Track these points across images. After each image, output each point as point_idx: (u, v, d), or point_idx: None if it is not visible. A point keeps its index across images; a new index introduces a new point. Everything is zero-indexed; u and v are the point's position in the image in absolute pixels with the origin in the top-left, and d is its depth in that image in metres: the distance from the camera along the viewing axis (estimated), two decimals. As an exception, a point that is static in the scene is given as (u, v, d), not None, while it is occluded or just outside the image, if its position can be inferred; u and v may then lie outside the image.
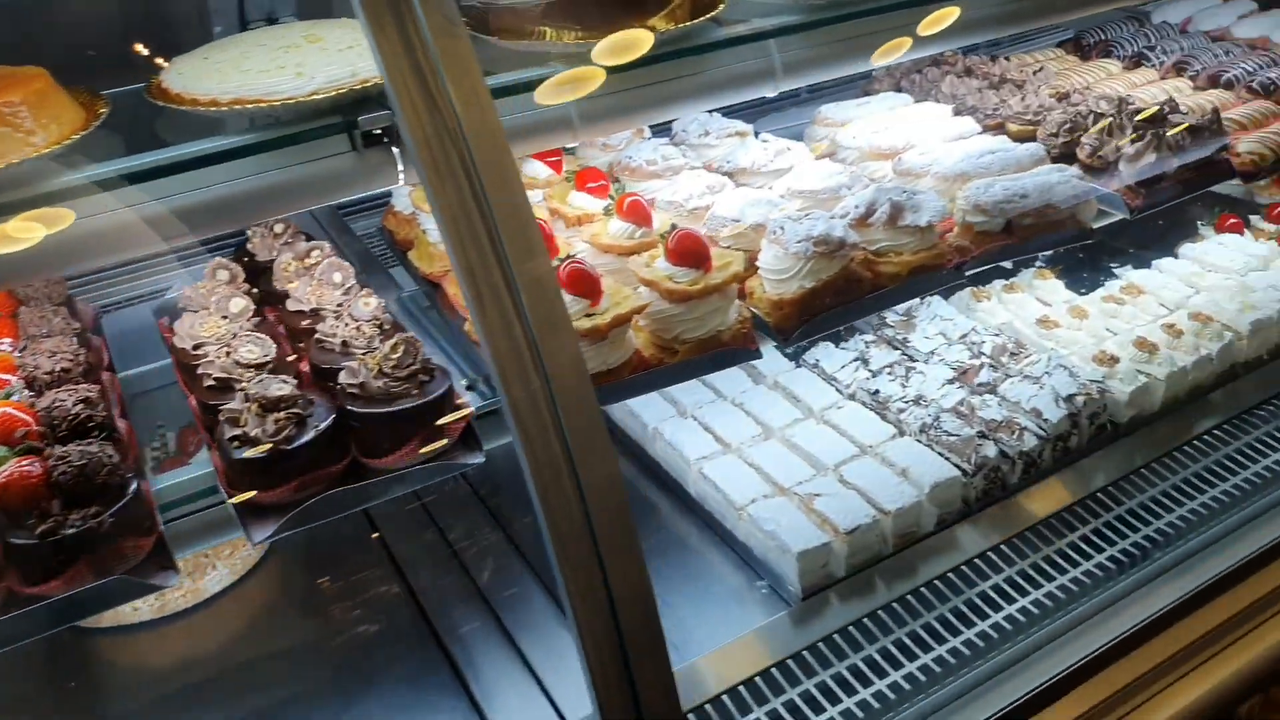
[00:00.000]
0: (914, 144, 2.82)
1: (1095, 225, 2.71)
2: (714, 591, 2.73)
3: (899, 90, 3.38)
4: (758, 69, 2.31)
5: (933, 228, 2.37)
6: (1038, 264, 3.70)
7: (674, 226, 2.17)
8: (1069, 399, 2.95)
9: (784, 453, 2.92)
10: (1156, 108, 2.84)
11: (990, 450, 2.78)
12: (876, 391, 3.11)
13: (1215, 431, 3.13)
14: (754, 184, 2.75)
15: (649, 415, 3.17)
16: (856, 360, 3.29)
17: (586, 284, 2.00)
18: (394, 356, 2.00)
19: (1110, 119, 2.78)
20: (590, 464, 1.73)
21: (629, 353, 2.07)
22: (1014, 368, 3.14)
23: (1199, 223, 4.04)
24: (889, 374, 3.19)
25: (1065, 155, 2.88)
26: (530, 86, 2.01)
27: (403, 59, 1.69)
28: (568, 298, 2.02)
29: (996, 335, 3.29)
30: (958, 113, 3.06)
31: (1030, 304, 3.51)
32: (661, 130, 3.12)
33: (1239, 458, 3.04)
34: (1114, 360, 3.08)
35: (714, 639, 2.56)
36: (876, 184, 2.50)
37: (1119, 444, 3.03)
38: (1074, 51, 3.96)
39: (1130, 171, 2.68)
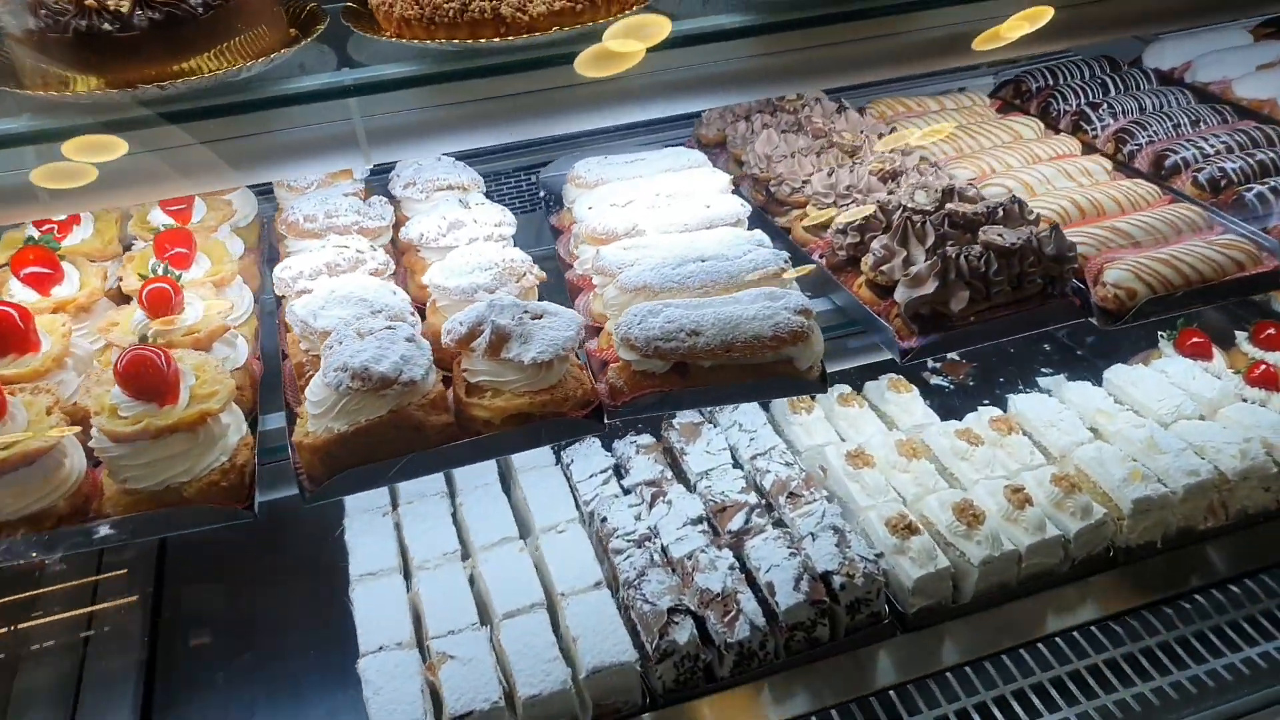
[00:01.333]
0: (642, 229, 2.16)
1: (845, 366, 2.01)
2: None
3: (721, 143, 2.68)
4: (337, 134, 1.74)
5: (548, 366, 1.74)
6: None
7: (145, 338, 1.65)
8: (822, 578, 2.25)
9: (459, 586, 2.36)
10: (981, 211, 2.06)
11: (682, 634, 2.14)
12: (605, 519, 2.50)
13: (1054, 640, 2.34)
14: (431, 260, 2.17)
15: (353, 503, 2.67)
16: (611, 469, 2.67)
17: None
18: None
19: (910, 220, 2.03)
20: None
21: (48, 499, 1.57)
22: (789, 514, 2.46)
23: (1160, 334, 3.15)
24: (635, 496, 2.57)
25: (851, 262, 2.15)
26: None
27: None
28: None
29: (789, 465, 2.59)
30: (738, 186, 2.35)
31: (866, 424, 2.77)
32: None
33: (1070, 686, 2.24)
34: (911, 530, 2.34)
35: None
36: (495, 297, 1.86)
37: (900, 640, 2.32)
38: (1013, 98, 3.10)
39: (908, 298, 1.94)
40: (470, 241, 2.12)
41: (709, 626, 2.19)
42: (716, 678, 2.20)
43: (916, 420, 2.79)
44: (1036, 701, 2.23)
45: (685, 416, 2.83)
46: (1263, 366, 2.82)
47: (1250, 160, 2.45)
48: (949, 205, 2.09)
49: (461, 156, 2.77)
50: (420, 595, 2.34)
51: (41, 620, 2.53)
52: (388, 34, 1.78)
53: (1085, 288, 2.09)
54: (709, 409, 2.85)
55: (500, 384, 1.75)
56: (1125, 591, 2.43)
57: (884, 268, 2.02)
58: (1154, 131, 2.67)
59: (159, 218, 2.20)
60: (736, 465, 2.67)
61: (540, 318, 1.79)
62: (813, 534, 2.35)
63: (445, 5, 1.71)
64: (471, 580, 2.40)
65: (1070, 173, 2.49)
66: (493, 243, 2.11)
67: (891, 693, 2.25)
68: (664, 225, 2.18)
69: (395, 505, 2.65)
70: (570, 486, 2.65)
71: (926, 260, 1.94)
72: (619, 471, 2.69)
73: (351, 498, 2.68)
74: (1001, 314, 1.99)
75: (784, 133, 2.57)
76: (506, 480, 2.70)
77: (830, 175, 2.33)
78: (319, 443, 1.66)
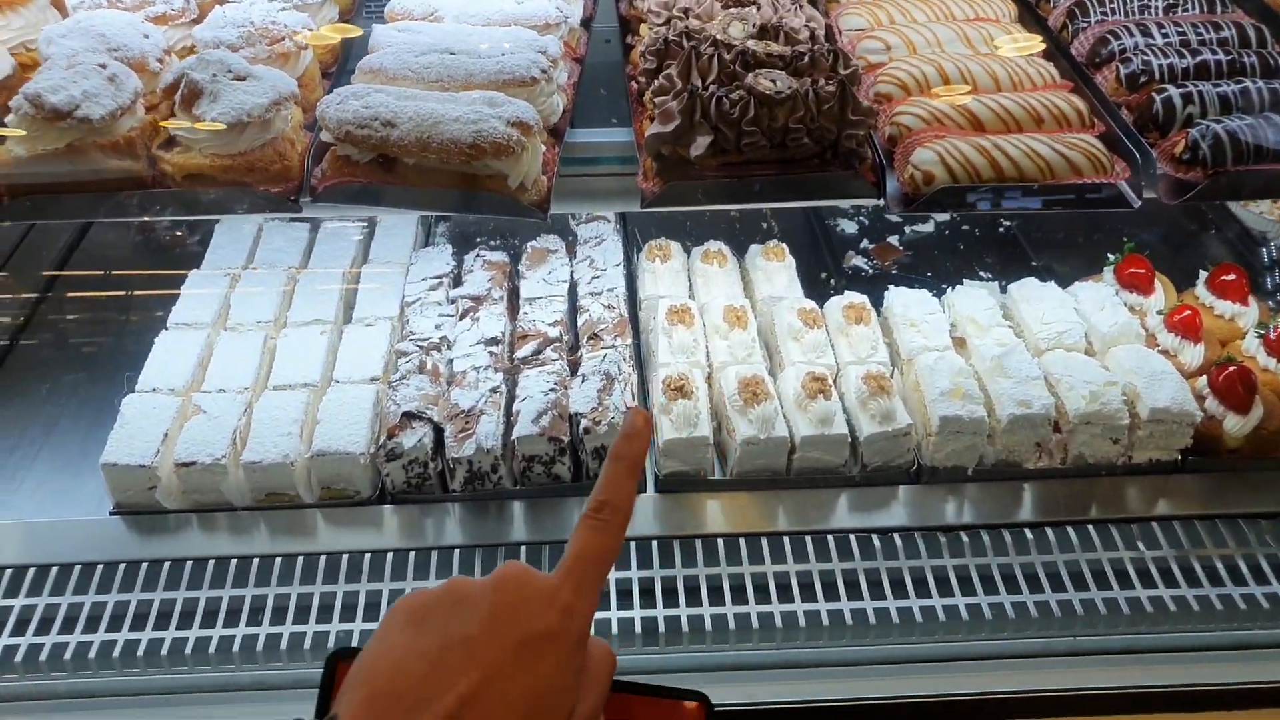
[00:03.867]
0: (441, 16, 2.01)
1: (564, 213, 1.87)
2: (73, 466, 2.36)
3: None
4: None
5: (236, 129, 1.68)
6: (773, 240, 2.72)
7: None
8: (571, 420, 2.19)
9: (252, 353, 2.42)
10: (783, 54, 1.80)
11: (410, 439, 2.15)
12: (408, 322, 2.49)
13: (805, 538, 2.21)
14: (233, 13, 2.10)
15: (209, 259, 2.76)
16: (449, 277, 2.64)
17: None
18: None
19: (697, 51, 1.80)
20: None
21: None
22: (586, 355, 2.37)
23: (1109, 256, 2.77)
24: (453, 306, 2.54)
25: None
26: None
27: None
28: None
29: (610, 308, 2.49)
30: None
31: (719, 285, 2.61)
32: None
33: (793, 586, 2.12)
34: (681, 393, 2.22)
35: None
36: (208, 51, 1.79)
37: (642, 499, 2.25)
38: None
39: (651, 133, 1.75)
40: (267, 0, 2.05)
41: (447, 439, 2.18)
42: (449, 490, 2.22)
43: (776, 291, 2.59)
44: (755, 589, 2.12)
45: (541, 243, 2.74)
46: (1186, 312, 2.45)
47: (1193, 60, 2.02)
48: (750, 43, 1.84)
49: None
50: (212, 352, 2.43)
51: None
52: None
53: (883, 163, 1.83)
54: (569, 238, 2.76)
55: (190, 140, 1.72)
56: (910, 509, 2.26)
57: (658, 100, 1.82)
58: (1110, 9, 2.24)
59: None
60: (574, 299, 2.58)
61: (244, 80, 1.73)
62: (584, 376, 2.27)
63: None
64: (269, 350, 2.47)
65: (970, 38, 2.14)
66: (277, 4, 2.03)
67: (632, 544, 2.22)
68: (464, 13, 2.03)
69: (246, 267, 2.73)
70: (406, 283, 2.65)
71: (678, 99, 1.73)
72: (457, 280, 2.66)
73: (211, 257, 2.77)
74: (760, 172, 1.77)
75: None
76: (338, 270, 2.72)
77: (673, -8, 2.09)
78: (4, 163, 1.70)
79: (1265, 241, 3.04)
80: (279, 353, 2.43)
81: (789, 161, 1.78)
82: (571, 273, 2.65)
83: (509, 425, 2.20)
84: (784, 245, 2.70)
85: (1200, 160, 1.81)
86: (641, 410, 0.94)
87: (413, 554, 2.13)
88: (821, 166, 1.79)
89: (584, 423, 2.16)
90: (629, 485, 0.89)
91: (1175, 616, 2.08)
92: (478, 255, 2.69)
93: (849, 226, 3.19)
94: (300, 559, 2.12)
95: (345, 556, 2.12)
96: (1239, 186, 1.82)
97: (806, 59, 1.82)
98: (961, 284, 2.72)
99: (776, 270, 2.64)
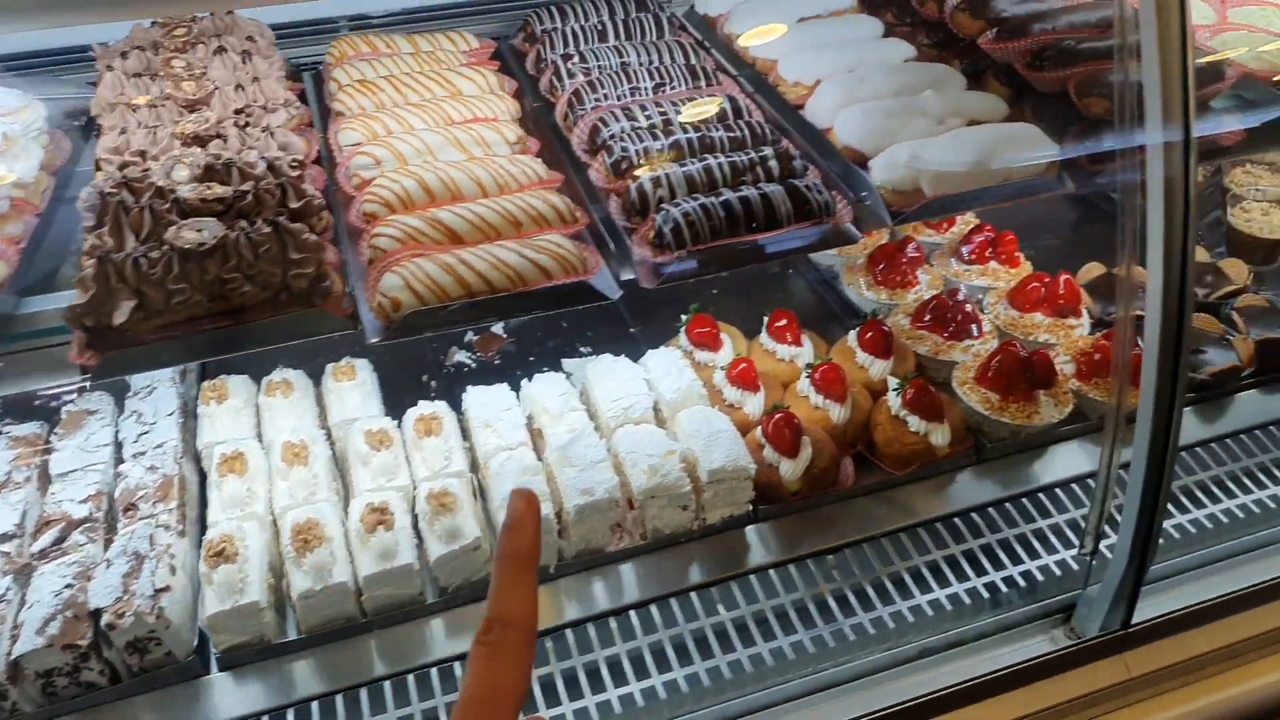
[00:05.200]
0: None
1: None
2: None
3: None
4: None
5: None
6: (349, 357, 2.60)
7: None
8: (94, 616, 1.93)
9: None
10: (222, 196, 1.69)
11: (-125, 689, 1.80)
12: (-106, 534, 2.12)
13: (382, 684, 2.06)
14: None
15: None
16: (-42, 467, 2.29)
17: None
18: None
19: (123, 206, 1.65)
20: None
21: None
22: (121, 531, 2.12)
23: (683, 316, 2.86)
24: (-42, 503, 2.20)
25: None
26: None
27: None
28: None
29: (154, 469, 2.25)
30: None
31: (286, 417, 2.44)
32: None
33: None
34: (223, 557, 2.02)
35: None
36: None
37: (203, 682, 2.02)
38: (524, 41, 2.71)
39: (69, 311, 1.57)
40: None
41: (-73, 674, 1.85)
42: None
43: (350, 413, 2.46)
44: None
45: (80, 404, 2.45)
46: (742, 365, 2.57)
47: (666, 141, 2.12)
48: (185, 190, 1.70)
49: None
50: None
51: None
52: None
53: (353, 293, 1.75)
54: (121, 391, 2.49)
55: None
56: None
57: (86, 264, 1.64)
58: (605, 94, 2.32)
59: None
60: (89, 470, 2.30)
61: None
62: (109, 560, 2.02)
63: None
64: None
65: (463, 142, 2.13)
66: None
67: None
68: None
69: None
70: (-95, 486, 2.26)
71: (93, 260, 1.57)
72: (-26, 467, 2.31)
73: None
74: (212, 325, 1.63)
75: (138, 76, 2.14)
76: None
77: (121, 134, 1.92)
78: None
79: (833, 275, 3.29)
80: None
81: (241, 309, 1.65)
82: (116, 433, 2.38)
83: (15, 640, 1.90)
84: (355, 362, 2.58)
85: (667, 243, 1.88)
86: (523, 490, 0.77)
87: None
88: (278, 309, 1.68)
89: (106, 618, 1.91)
90: (523, 589, 0.74)
91: (772, 671, 2.11)
92: (16, 427, 2.36)
93: (453, 321, 3.12)
94: None
95: None
96: (707, 263, 1.91)
97: (250, 198, 1.71)
98: (561, 366, 2.73)
99: (349, 390, 2.50)
